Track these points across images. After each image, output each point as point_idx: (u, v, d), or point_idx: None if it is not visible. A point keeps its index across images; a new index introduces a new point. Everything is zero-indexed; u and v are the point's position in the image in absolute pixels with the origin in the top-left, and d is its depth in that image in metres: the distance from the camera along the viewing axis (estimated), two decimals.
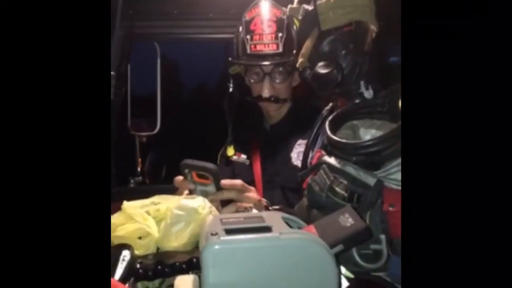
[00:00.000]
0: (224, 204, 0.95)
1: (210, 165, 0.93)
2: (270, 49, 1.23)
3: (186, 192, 0.98)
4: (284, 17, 1.23)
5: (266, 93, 1.27)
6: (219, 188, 0.93)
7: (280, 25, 1.23)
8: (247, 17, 1.26)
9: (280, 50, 1.23)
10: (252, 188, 1.02)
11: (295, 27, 1.24)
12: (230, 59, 1.33)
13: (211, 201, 0.90)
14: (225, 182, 0.95)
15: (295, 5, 0.93)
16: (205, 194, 0.93)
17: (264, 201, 1.00)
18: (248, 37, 1.24)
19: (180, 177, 0.97)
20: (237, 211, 0.94)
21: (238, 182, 0.98)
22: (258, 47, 1.24)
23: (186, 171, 0.95)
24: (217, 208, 0.93)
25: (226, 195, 0.95)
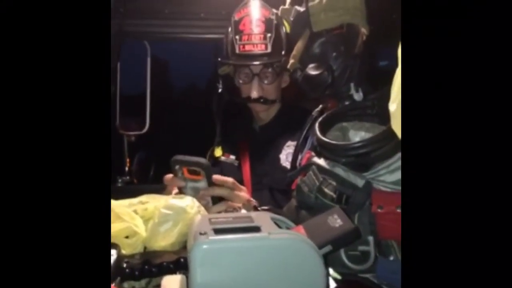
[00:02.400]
0: (214, 201, 0.95)
1: (202, 160, 0.93)
2: (259, 49, 1.23)
3: (176, 190, 0.97)
4: (273, 17, 1.23)
5: (254, 94, 1.26)
6: (210, 183, 0.92)
7: (269, 25, 1.23)
8: (236, 17, 1.26)
9: (269, 50, 1.23)
10: (243, 187, 1.02)
11: (284, 28, 1.24)
12: (219, 59, 1.32)
13: (202, 196, 0.89)
14: (216, 177, 0.94)
15: (287, 6, 0.94)
16: (196, 191, 0.93)
17: (253, 201, 1.00)
18: (237, 37, 1.24)
19: (170, 175, 0.97)
20: (227, 209, 0.94)
21: (230, 179, 0.97)
22: (247, 47, 1.24)
23: (177, 167, 0.94)
24: (207, 205, 0.92)
25: (218, 191, 0.94)
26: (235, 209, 0.93)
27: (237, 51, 1.25)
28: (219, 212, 0.93)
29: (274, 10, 1.23)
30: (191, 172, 0.93)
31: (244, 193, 0.99)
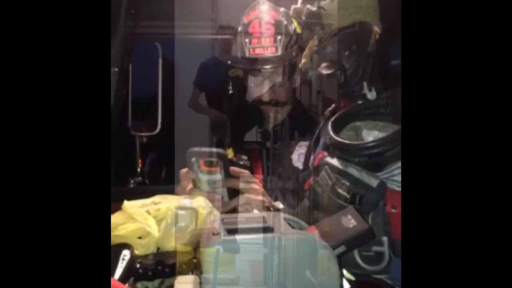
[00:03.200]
0: (230, 195, 0.94)
1: (218, 150, 0.92)
2: (269, 52, 1.22)
3: (190, 186, 0.97)
4: (283, 19, 1.22)
5: (266, 97, 1.26)
6: (228, 174, 0.92)
7: (279, 27, 1.22)
8: (245, 20, 1.25)
9: (279, 53, 1.22)
10: (257, 180, 1.01)
11: (294, 28, 1.23)
12: (229, 62, 1.32)
13: (223, 186, 0.89)
14: (234, 168, 0.94)
15: (299, 5, 0.93)
16: (212, 184, 0.92)
17: (266, 201, 1.00)
18: (247, 40, 1.23)
19: (185, 169, 0.96)
20: (246, 202, 0.93)
21: (246, 171, 0.97)
22: (257, 51, 1.23)
23: (193, 159, 0.93)
24: (222, 199, 0.92)
25: (235, 183, 0.94)
26: (247, 210, 0.93)
27: (247, 54, 1.24)
28: (238, 205, 0.93)
29: (282, 9, 1.22)
30: (208, 164, 0.92)
31: (258, 185, 0.99)
